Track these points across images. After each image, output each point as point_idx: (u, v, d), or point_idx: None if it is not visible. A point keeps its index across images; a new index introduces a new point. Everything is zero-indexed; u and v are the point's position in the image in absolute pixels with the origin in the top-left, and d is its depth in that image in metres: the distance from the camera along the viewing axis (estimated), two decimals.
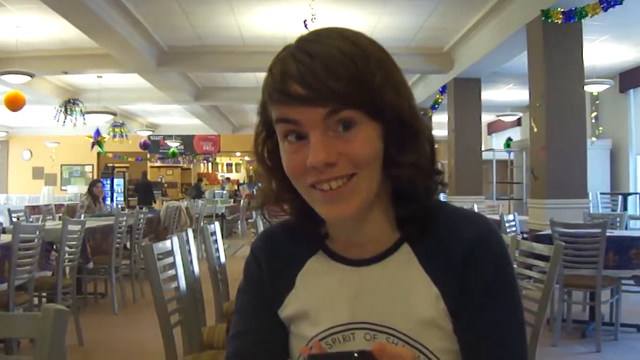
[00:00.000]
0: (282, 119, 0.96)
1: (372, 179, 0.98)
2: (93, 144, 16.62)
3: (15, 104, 10.13)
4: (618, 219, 7.02)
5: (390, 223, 1.07)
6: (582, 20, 6.54)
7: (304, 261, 1.12)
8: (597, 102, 12.39)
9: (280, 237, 1.17)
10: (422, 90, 12.97)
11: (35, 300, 5.35)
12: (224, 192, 21.91)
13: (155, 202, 18.72)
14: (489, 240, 1.02)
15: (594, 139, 11.95)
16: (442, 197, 1.09)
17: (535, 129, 7.27)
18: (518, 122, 17.01)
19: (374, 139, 0.96)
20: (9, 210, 9.67)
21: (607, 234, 5.18)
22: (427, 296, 1.01)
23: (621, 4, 5.83)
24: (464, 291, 1.00)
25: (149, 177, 21.54)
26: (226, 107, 18.95)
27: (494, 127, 19.49)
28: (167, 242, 3.41)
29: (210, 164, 26.98)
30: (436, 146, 1.07)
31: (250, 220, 12.53)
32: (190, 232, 3.98)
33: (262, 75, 1.04)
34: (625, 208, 10.92)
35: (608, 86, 10.61)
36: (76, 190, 20.99)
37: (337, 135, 0.94)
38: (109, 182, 21.83)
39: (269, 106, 1.00)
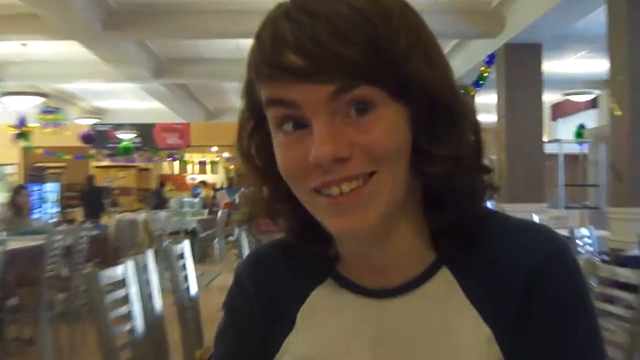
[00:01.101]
0: (274, 100, 0.96)
1: (397, 179, 0.98)
2: (16, 137, 16.48)
3: None
4: None
5: (422, 239, 1.07)
6: None
7: (307, 292, 1.13)
8: None
9: (274, 261, 1.18)
10: (462, 61, 12.93)
11: None
12: (196, 200, 21.68)
13: (102, 214, 18.50)
14: (559, 261, 1.01)
15: None
16: (489, 205, 1.09)
17: (618, 112, 7.17)
18: (593, 103, 16.85)
19: (399, 126, 0.96)
20: None
21: None
22: (475, 337, 1.01)
23: None
24: (527, 330, 1.00)
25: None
26: (198, 86, 18.86)
27: (560, 110, 19.35)
28: (119, 269, 3.41)
29: (176, 163, 26.95)
30: (483, 136, 1.06)
31: (231, 238, 12.42)
32: (150, 254, 3.97)
33: (246, 43, 1.04)
34: None
35: None
36: None
37: (349, 121, 0.94)
38: (38, 188, 21.72)
39: (256, 85, 0.99)
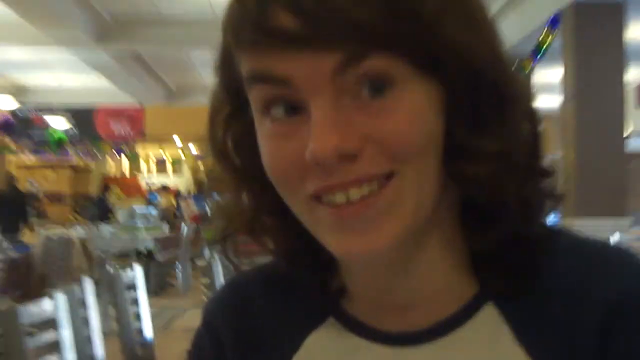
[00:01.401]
0: (260, 76, 0.94)
1: (425, 183, 0.95)
2: None
3: None
4: None
5: (460, 266, 1.06)
6: None
7: (301, 337, 1.12)
8: None
9: (258, 294, 1.17)
10: (514, 25, 12.76)
11: None
12: (153, 211, 21.09)
13: (24, 229, 18.21)
14: None
15: None
16: (551, 220, 1.05)
17: None
18: None
19: (427, 110, 0.94)
20: None
21: None
22: None
23: None
24: None
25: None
26: (156, 55, 18.81)
27: None
28: (46, 304, 3.38)
29: (126, 161, 26.88)
30: (542, 126, 1.04)
31: (199, 263, 12.12)
32: (88, 284, 3.95)
33: (220, 0, 1.03)
34: None
35: None
36: None
37: (360, 104, 0.92)
38: None
39: (236, 55, 0.97)
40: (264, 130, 0.97)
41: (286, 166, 0.95)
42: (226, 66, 1.02)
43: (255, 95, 0.96)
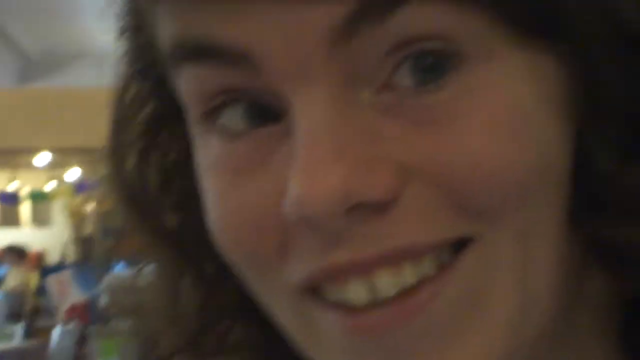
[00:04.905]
0: (195, 48, 0.58)
1: (537, 260, 0.58)
2: None
3: None
4: None
5: None
6: None
7: None
8: None
9: None
10: None
11: None
12: None
13: None
14: None
15: None
16: None
17: None
18: None
19: (537, 115, 0.56)
20: None
21: None
22: None
23: None
24: None
25: None
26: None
27: None
28: None
29: None
30: None
31: None
32: None
33: None
34: None
35: None
36: None
37: (394, 102, 0.56)
38: None
39: (149, 10, 0.62)
40: (206, 156, 0.63)
41: (247, 227, 0.60)
42: (139, 28, 0.67)
43: (187, 87, 0.61)
